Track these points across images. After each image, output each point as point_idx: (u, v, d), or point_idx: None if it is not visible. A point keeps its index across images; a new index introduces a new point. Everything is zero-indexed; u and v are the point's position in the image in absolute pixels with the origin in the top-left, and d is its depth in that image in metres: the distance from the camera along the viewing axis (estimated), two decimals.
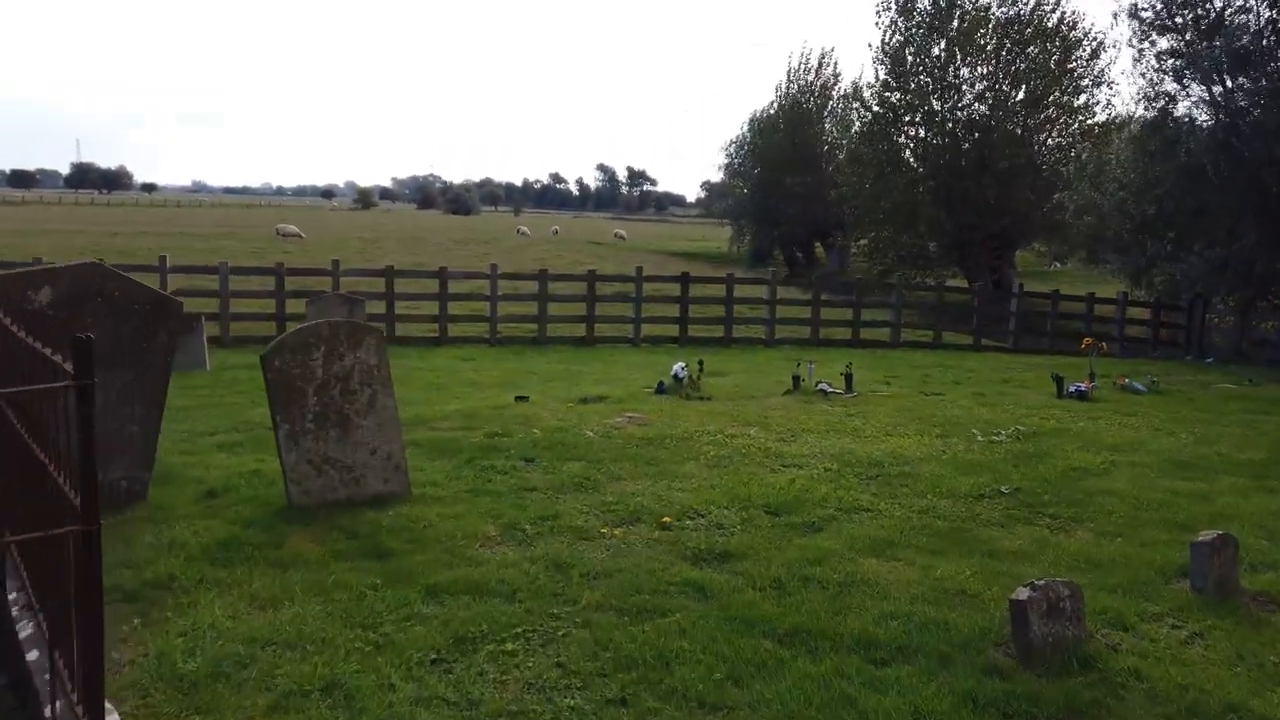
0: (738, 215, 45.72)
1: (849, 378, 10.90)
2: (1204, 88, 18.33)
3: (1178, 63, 18.59)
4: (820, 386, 10.68)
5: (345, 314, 11.85)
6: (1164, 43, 19.25)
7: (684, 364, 10.78)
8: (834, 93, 41.22)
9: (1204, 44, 17.64)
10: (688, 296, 17.02)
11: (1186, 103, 19.17)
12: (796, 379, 10.76)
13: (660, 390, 10.47)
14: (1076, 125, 28.12)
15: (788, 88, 42.01)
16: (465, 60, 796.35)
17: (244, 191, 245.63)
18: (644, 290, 17.13)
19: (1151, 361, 16.25)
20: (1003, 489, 6.54)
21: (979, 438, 8.41)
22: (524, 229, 66.32)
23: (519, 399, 9.55)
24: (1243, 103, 17.42)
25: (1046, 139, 28.55)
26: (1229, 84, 17.55)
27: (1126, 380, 12.10)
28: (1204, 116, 19.00)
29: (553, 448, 7.39)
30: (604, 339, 16.70)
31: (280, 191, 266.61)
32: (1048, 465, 7.33)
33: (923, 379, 12.99)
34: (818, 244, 43.94)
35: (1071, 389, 11.27)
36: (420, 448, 7.21)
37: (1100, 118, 27.52)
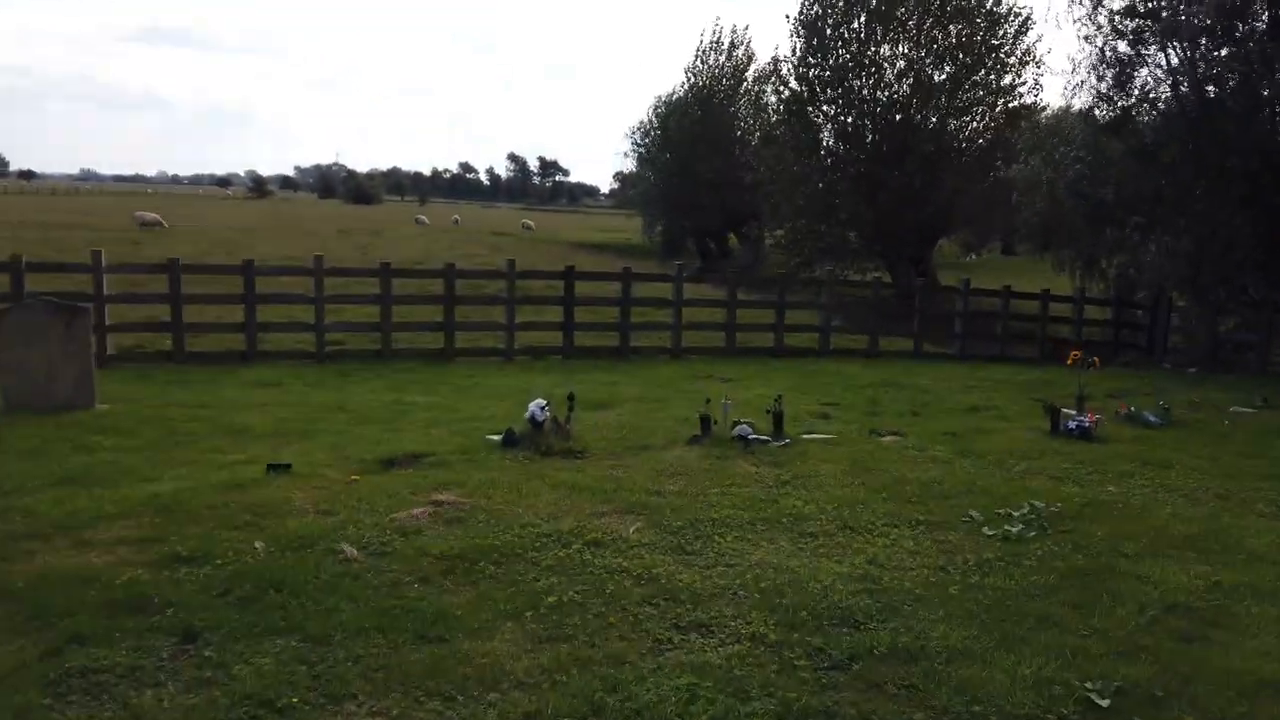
0: (647, 205, 42.79)
1: (778, 417, 7.79)
2: (1168, 52, 15.93)
3: (1138, 22, 16.14)
4: (739, 430, 7.55)
5: (55, 327, 8.13)
6: (1119, 1, 16.82)
7: (545, 401, 7.50)
8: (748, 74, 38.59)
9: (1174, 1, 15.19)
10: (573, 297, 13.71)
11: (1145, 71, 16.79)
12: (706, 421, 7.60)
13: (509, 442, 7.18)
14: (1002, 107, 26.01)
15: (698, 68, 39.20)
16: (373, 50, 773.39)
17: (136, 180, 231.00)
18: (527, 291, 13.78)
19: (1127, 373, 13.69)
20: (1091, 690, 3.44)
21: (987, 531, 5.38)
22: (423, 218, 62.21)
23: (274, 469, 6.12)
24: (1217, 70, 15.05)
25: (971, 122, 26.42)
26: (1202, 48, 15.14)
27: (1131, 409, 9.33)
28: (1165, 87, 16.66)
29: (259, 597, 4.03)
30: (468, 352, 13.29)
31: (176, 180, 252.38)
32: (1122, 603, 4.32)
33: (869, 406, 10.01)
34: (732, 235, 41.24)
35: (1071, 425, 8.43)
36: None
37: (1028, 99, 25.68)
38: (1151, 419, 9.00)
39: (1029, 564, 4.82)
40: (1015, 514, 5.68)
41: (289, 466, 6.16)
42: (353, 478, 6.09)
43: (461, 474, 6.26)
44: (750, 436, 7.46)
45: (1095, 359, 9.90)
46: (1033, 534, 5.32)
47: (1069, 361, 9.97)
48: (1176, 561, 4.92)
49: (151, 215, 39.18)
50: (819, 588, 4.35)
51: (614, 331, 14.06)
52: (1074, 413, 9.67)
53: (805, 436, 7.91)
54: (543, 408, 7.39)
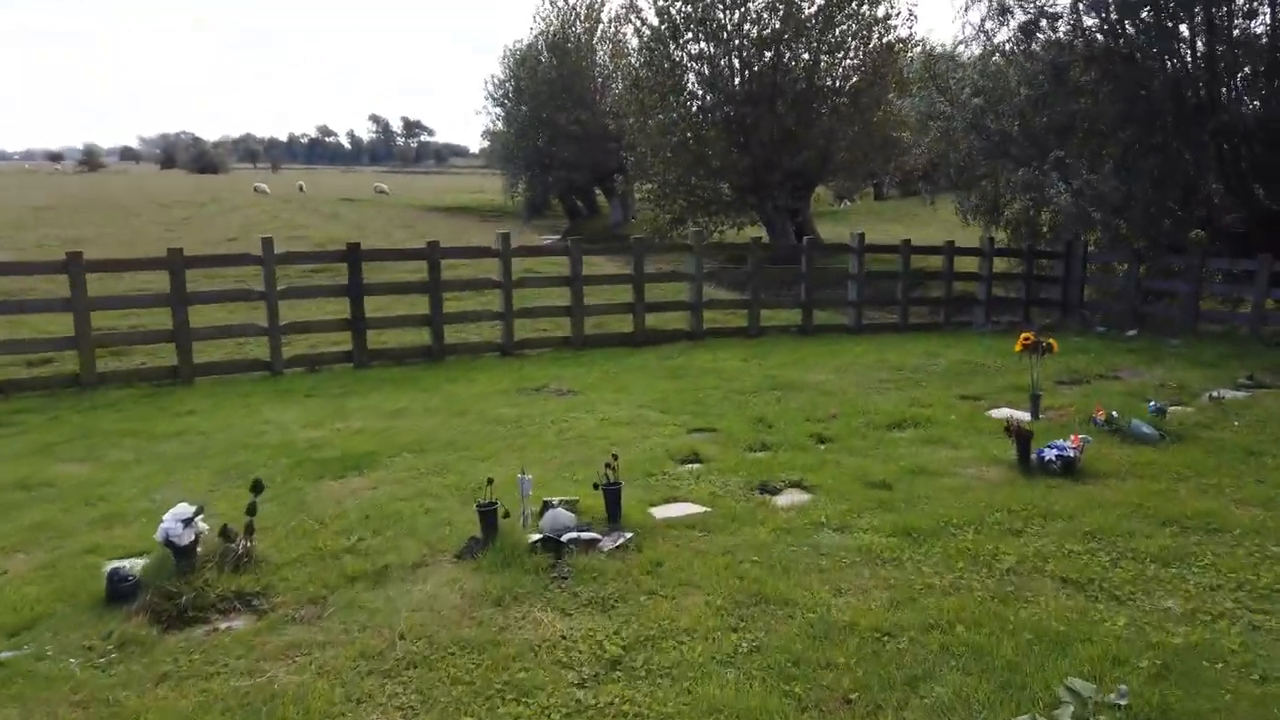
0: (508, 163, 39.08)
1: (612, 494, 4.75)
2: None
3: None
4: (550, 523, 4.51)
5: None
6: None
7: (195, 509, 4.22)
8: (604, 13, 35.22)
9: None
10: (360, 283, 10.26)
11: None
12: (490, 516, 4.47)
13: (118, 595, 3.91)
14: (876, 41, 23.65)
15: (546, 10, 35.65)
16: (220, 8, 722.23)
17: None
18: (299, 279, 10.25)
19: (1060, 339, 11.26)
20: None
21: None
22: (263, 186, 56.27)
23: None
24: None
25: (845, 58, 23.98)
26: None
27: (1112, 414, 6.73)
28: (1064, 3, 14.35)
29: None
30: (208, 370, 9.73)
31: (3, 156, 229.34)
32: None
33: (756, 430, 7.08)
34: (599, 191, 38.05)
35: (1049, 454, 5.74)
36: None
37: (902, 31, 23.58)
38: (1145, 431, 6.42)
39: None
40: None
41: None
42: None
43: None
44: (568, 537, 4.42)
45: (1051, 342, 7.28)
46: None
47: (1017, 348, 7.33)
48: None
49: None
50: None
51: (424, 328, 10.73)
52: (1027, 417, 7.09)
53: (660, 516, 4.94)
54: (188, 520, 4.12)
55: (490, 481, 4.54)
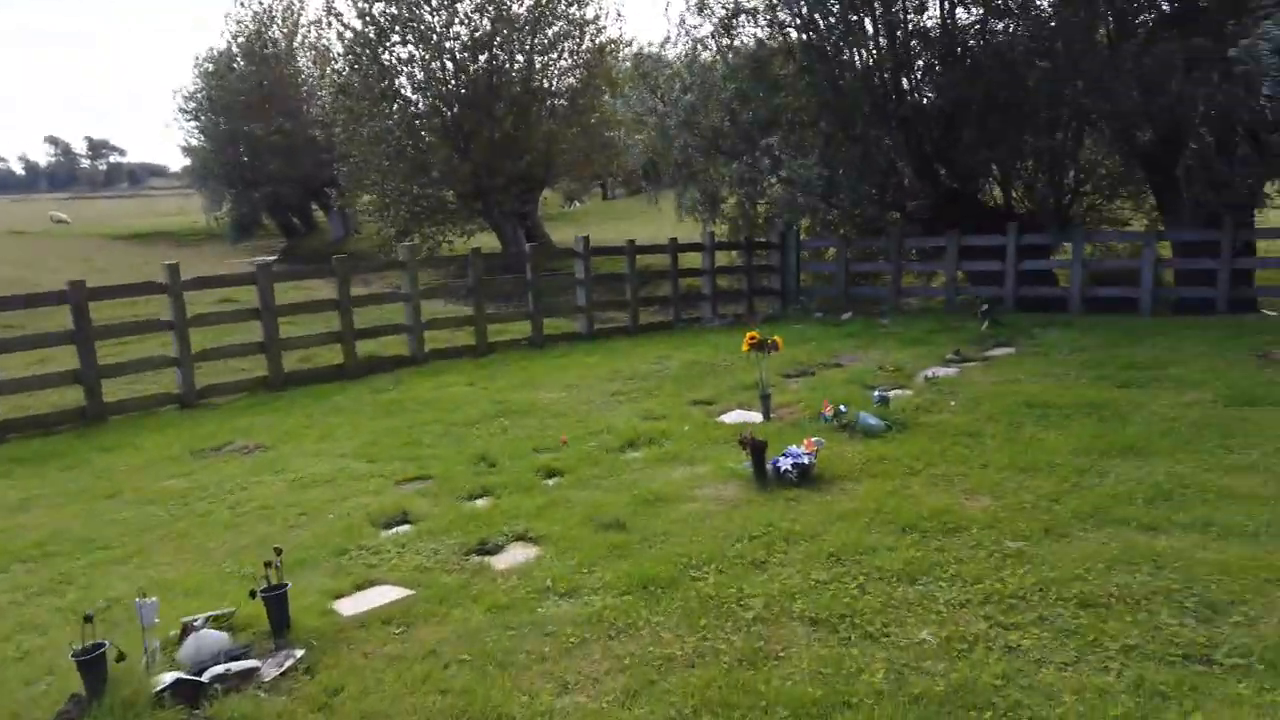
0: (206, 179, 35.33)
1: (277, 602, 3.71)
2: None
3: None
4: (182, 673, 3.40)
5: None
6: None
7: None
8: (303, 17, 32.76)
9: None
10: None
11: None
12: (94, 664, 3.29)
13: None
14: (589, 42, 23.61)
15: (240, 13, 32.55)
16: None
17: None
18: None
19: (781, 329, 11.36)
20: None
21: None
22: None
23: None
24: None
25: (560, 59, 23.74)
26: None
27: (839, 409, 6.55)
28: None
29: None
30: None
31: None
32: None
33: (476, 469, 6.22)
34: (317, 206, 35.37)
35: (784, 464, 5.37)
36: None
37: (612, 31, 23.78)
38: (872, 423, 6.28)
39: None
40: None
41: None
42: None
43: None
44: (211, 674, 3.34)
45: (776, 340, 7.05)
46: None
47: (744, 348, 7.03)
48: None
49: None
50: None
51: (76, 385, 8.85)
52: (759, 418, 6.82)
53: (349, 613, 3.97)
54: None
55: (89, 619, 3.34)
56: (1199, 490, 4.70)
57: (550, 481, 5.85)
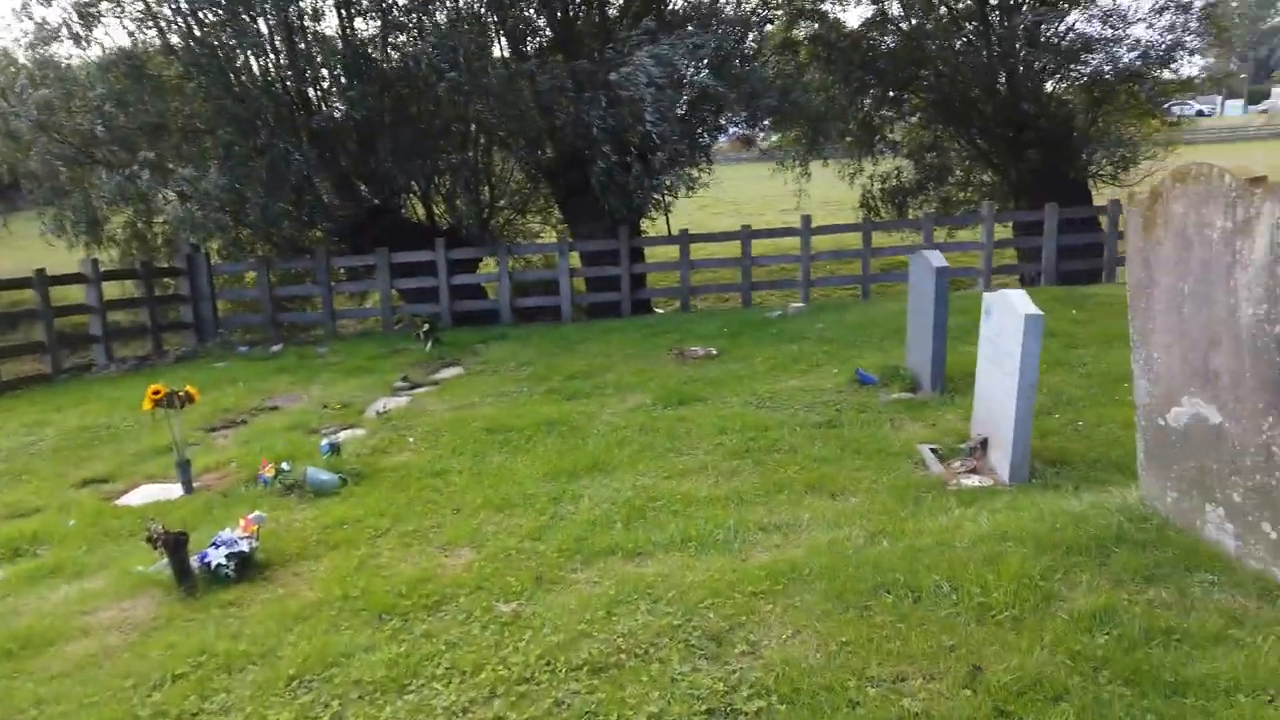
0: None
1: None
2: None
3: None
4: None
5: None
6: None
7: None
8: None
9: None
10: None
11: None
12: None
13: None
14: None
15: None
16: None
17: None
18: None
19: (197, 372, 9.58)
20: None
21: None
22: None
23: None
24: None
25: None
26: None
27: (281, 467, 5.43)
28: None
29: None
30: None
31: None
32: None
33: None
34: None
35: (216, 556, 4.14)
36: None
37: None
38: (324, 479, 5.30)
39: None
40: None
41: None
42: None
43: None
44: None
45: (190, 391, 5.65)
46: None
47: (147, 406, 5.51)
48: None
49: None
50: None
51: None
52: (179, 492, 5.45)
53: None
54: None
55: None
56: (667, 502, 4.71)
57: None
